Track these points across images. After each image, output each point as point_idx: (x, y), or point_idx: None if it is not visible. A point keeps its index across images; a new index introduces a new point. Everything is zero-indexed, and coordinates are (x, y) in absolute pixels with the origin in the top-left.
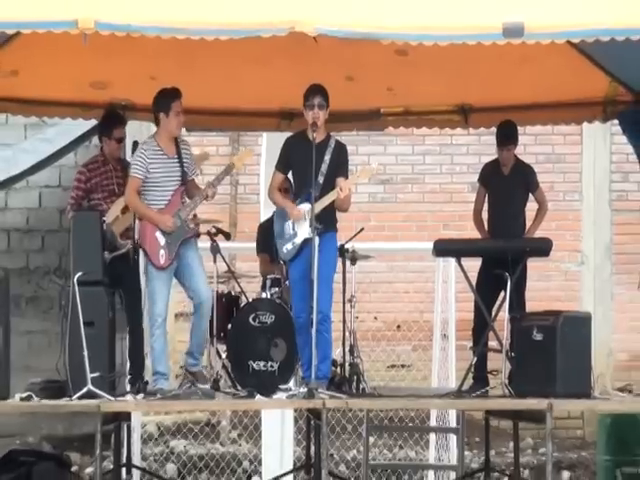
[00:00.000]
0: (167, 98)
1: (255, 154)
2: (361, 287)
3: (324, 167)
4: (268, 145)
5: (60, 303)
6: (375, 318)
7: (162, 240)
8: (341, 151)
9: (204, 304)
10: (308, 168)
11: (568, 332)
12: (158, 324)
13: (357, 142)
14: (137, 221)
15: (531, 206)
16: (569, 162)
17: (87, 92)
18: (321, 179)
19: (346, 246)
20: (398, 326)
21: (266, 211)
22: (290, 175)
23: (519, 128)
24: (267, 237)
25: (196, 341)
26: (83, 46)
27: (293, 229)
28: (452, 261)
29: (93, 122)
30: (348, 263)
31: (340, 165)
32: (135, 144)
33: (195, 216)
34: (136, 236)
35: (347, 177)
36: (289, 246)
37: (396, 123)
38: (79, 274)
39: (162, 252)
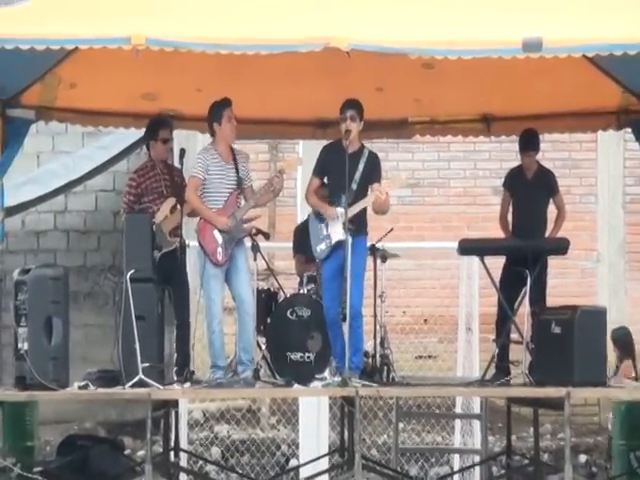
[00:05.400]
0: (219, 107)
1: None
2: (391, 284)
3: (357, 175)
4: (304, 152)
5: (114, 298)
6: (404, 312)
7: (220, 239)
8: (374, 161)
9: (245, 306)
10: (342, 175)
11: (585, 325)
12: (217, 321)
13: (387, 149)
14: (185, 219)
15: (552, 207)
16: (585, 167)
17: (138, 103)
18: (354, 186)
19: (377, 245)
20: (425, 320)
21: (302, 213)
22: (325, 180)
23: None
24: (303, 239)
25: (243, 346)
26: (135, 61)
27: (327, 230)
28: (475, 259)
29: (144, 131)
30: (379, 261)
31: (373, 174)
32: (182, 151)
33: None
34: (184, 235)
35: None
36: (323, 246)
37: (423, 131)
38: (131, 272)
39: (220, 250)
